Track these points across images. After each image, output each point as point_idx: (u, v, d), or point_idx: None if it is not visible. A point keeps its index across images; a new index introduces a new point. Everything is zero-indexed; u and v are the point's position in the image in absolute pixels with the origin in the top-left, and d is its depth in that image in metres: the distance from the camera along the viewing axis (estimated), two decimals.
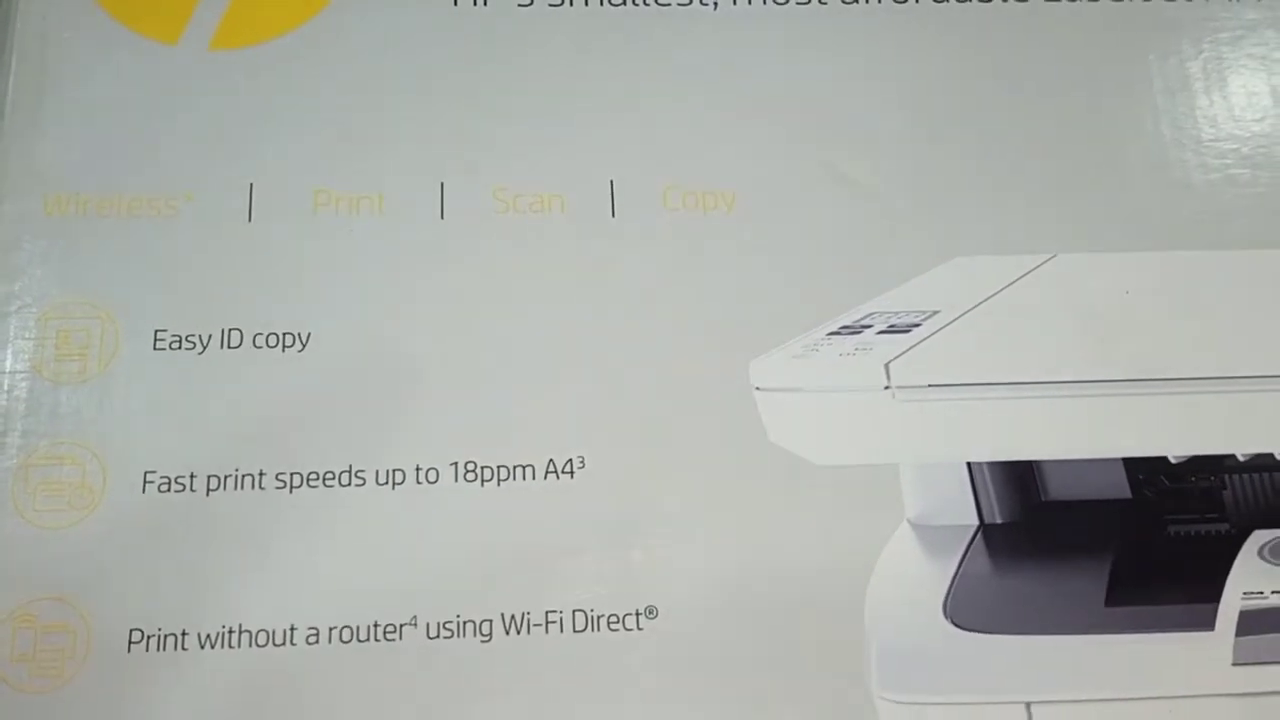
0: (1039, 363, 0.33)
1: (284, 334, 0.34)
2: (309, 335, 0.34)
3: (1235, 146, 0.38)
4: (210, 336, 0.34)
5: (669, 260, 0.36)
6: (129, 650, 0.31)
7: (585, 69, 0.38)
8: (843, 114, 0.38)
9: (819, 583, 0.33)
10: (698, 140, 0.37)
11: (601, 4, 0.39)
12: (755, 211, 0.37)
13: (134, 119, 0.36)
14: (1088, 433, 0.32)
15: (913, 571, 0.33)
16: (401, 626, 0.31)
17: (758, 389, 0.34)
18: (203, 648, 0.31)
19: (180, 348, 0.33)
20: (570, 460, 0.33)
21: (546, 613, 0.32)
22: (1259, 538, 0.34)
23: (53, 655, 0.31)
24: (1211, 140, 0.38)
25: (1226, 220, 0.37)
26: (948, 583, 0.33)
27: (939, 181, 0.37)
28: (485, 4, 0.38)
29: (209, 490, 0.32)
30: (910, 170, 0.37)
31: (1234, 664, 0.31)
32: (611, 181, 0.36)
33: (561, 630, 0.32)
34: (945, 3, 0.40)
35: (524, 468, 0.33)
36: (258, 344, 0.34)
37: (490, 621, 0.32)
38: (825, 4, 0.39)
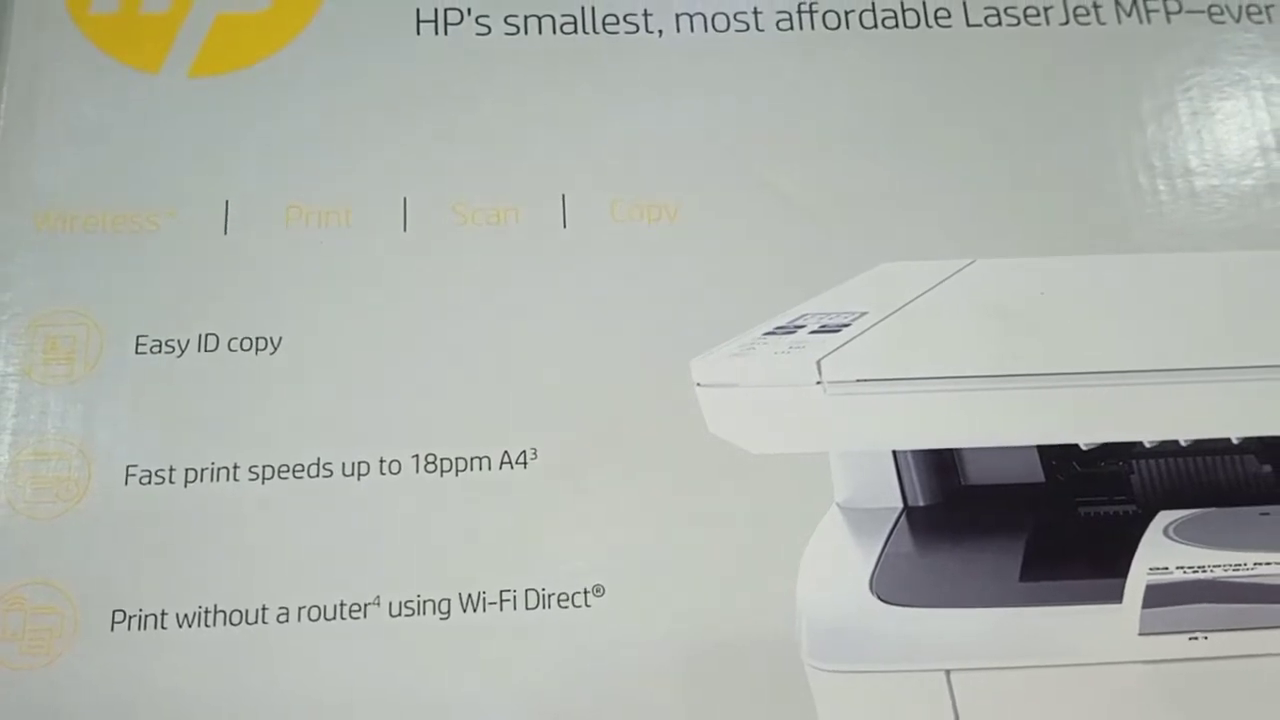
0: (957, 359, 0.35)
1: (257, 338, 0.36)
2: (280, 339, 0.36)
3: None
4: (188, 341, 0.36)
5: (617, 267, 0.38)
6: (112, 629, 0.33)
7: (539, 92, 0.40)
8: (779, 133, 0.41)
9: (756, 561, 0.35)
10: (643, 156, 0.40)
11: (555, 32, 0.41)
12: (697, 222, 0.39)
13: (119, 141, 0.38)
14: (1002, 422, 0.35)
15: (841, 550, 0.36)
16: (366, 606, 0.34)
17: (698, 385, 0.36)
18: (181, 626, 0.33)
19: (160, 351, 0.36)
20: (524, 451, 0.36)
21: (500, 592, 0.34)
22: (1165, 517, 0.36)
23: (41, 635, 0.33)
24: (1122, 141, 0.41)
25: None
26: (873, 561, 0.35)
27: (867, 194, 0.40)
28: (446, 33, 0.41)
29: (187, 482, 0.35)
30: (840, 184, 0.40)
31: (1141, 634, 0.33)
32: (563, 195, 0.39)
33: (515, 608, 0.34)
34: (877, 29, 0.43)
35: (480, 459, 0.36)
36: (232, 347, 0.36)
37: (448, 600, 0.34)
38: (763, 31, 0.42)
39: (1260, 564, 0.34)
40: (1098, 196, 0.40)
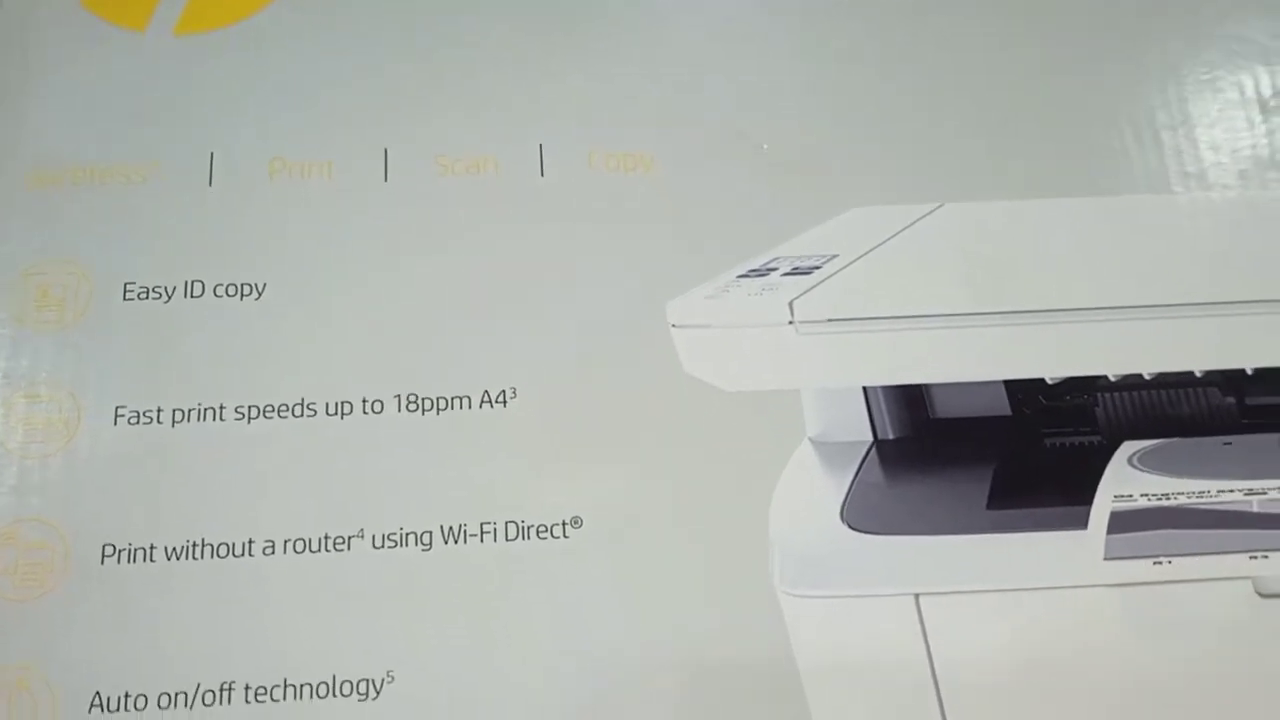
0: (925, 298, 0.36)
1: (242, 284, 0.37)
2: (265, 285, 0.37)
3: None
4: (175, 288, 0.37)
5: (593, 215, 0.39)
6: (102, 563, 0.34)
7: (518, 45, 0.41)
8: (751, 84, 0.42)
9: (730, 494, 0.36)
10: (619, 109, 0.41)
11: None
12: (672, 172, 0.40)
13: (106, 98, 0.39)
14: (969, 359, 0.36)
15: (813, 482, 0.37)
16: (350, 538, 0.35)
17: (674, 326, 0.37)
18: (169, 559, 0.34)
19: (148, 298, 0.37)
20: (503, 391, 0.37)
21: (481, 524, 0.35)
22: (1129, 448, 0.37)
23: (34, 569, 0.34)
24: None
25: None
26: (844, 491, 0.36)
27: (836, 143, 0.41)
28: None
29: (174, 423, 0.36)
30: (810, 133, 0.41)
31: (1105, 559, 0.34)
32: (541, 145, 0.40)
33: (495, 539, 0.35)
34: None
35: (461, 398, 0.37)
36: (218, 294, 0.37)
37: (430, 533, 0.35)
38: None
39: (1223, 491, 0.35)
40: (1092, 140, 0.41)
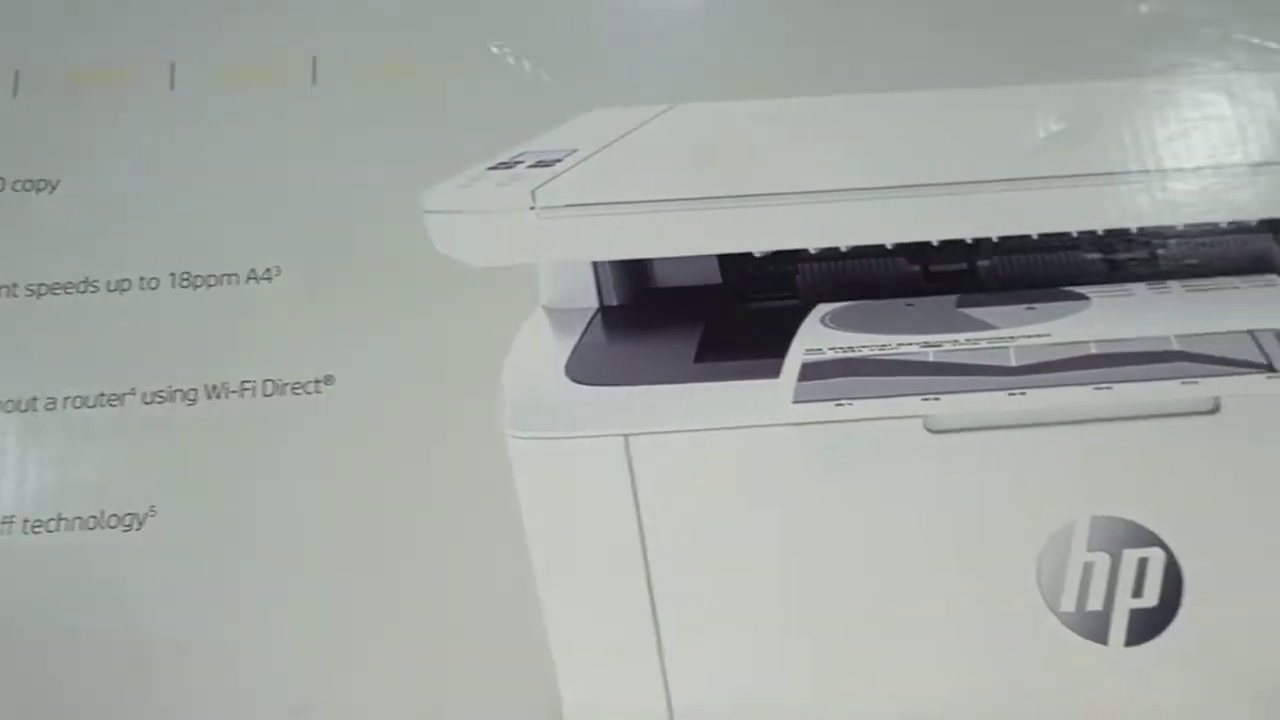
0: (648, 186, 0.41)
1: (38, 179, 0.42)
2: (59, 181, 0.42)
3: None
4: None
5: (358, 117, 0.44)
6: None
7: None
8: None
9: (471, 353, 0.41)
10: (382, 19, 0.45)
11: None
12: (433, 77, 0.45)
13: None
14: (685, 236, 0.41)
15: (542, 343, 0.41)
16: (123, 395, 0.39)
17: (428, 212, 0.41)
18: None
19: None
20: (268, 269, 0.41)
21: (242, 382, 0.40)
22: (822, 309, 0.42)
23: None
24: None
25: None
26: (569, 350, 0.41)
27: (580, 48, 0.46)
28: None
29: None
30: (559, 37, 0.46)
31: (794, 402, 0.39)
32: (314, 57, 0.45)
33: (255, 395, 0.40)
34: None
35: (229, 275, 0.41)
36: (15, 188, 0.42)
37: (195, 390, 0.40)
38: None
39: (903, 344, 0.40)
40: None
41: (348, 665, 0.38)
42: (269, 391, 0.40)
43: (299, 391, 0.40)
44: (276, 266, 0.41)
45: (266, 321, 0.41)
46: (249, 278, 0.41)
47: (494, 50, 0.45)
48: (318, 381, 0.40)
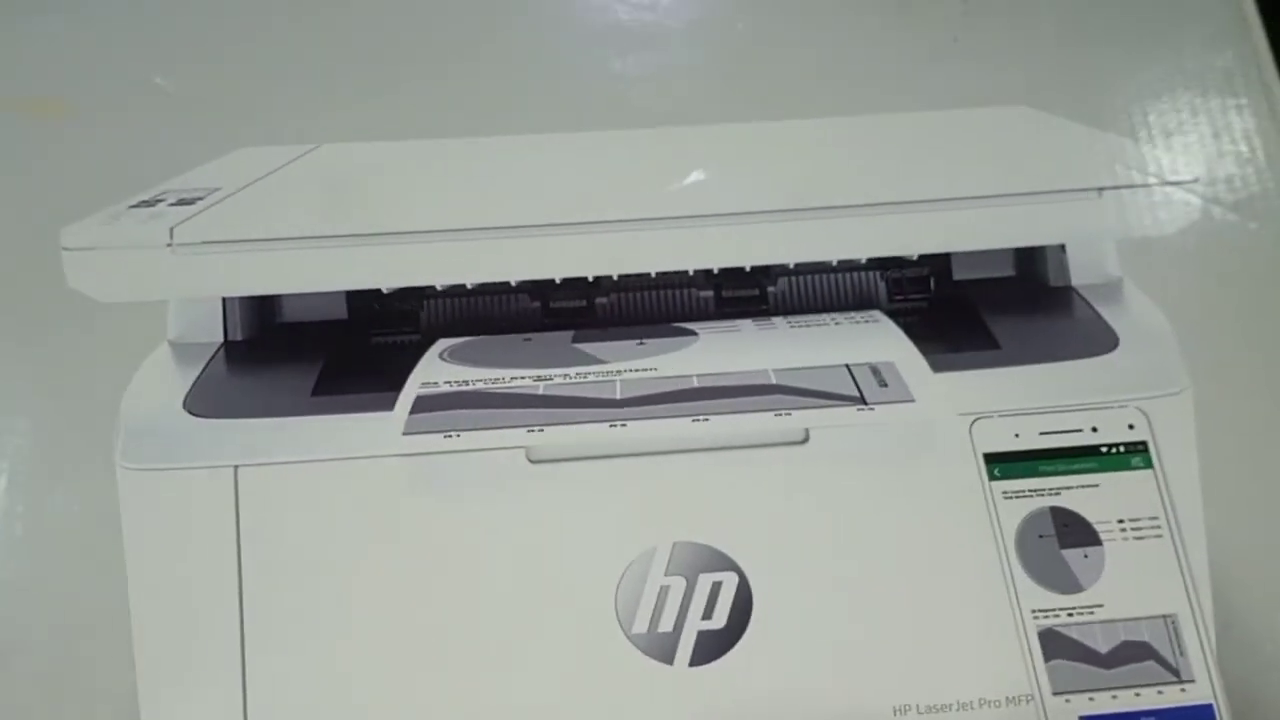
0: (283, 224, 0.42)
1: None
2: None
3: None
4: None
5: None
6: None
7: None
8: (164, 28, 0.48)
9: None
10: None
11: None
12: (87, 116, 0.46)
13: None
14: (315, 273, 0.42)
15: (164, 376, 0.42)
16: None
17: (65, 249, 0.42)
18: None
19: None
20: None
21: None
22: (441, 344, 0.43)
23: None
24: None
25: None
26: (189, 384, 0.42)
27: (231, 82, 0.47)
28: None
29: None
30: (212, 76, 0.47)
31: (404, 434, 0.40)
32: None
33: None
34: None
35: None
36: None
37: None
38: None
39: (515, 378, 0.42)
40: None
41: None
42: None
43: None
44: None
45: None
46: None
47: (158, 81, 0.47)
48: None
